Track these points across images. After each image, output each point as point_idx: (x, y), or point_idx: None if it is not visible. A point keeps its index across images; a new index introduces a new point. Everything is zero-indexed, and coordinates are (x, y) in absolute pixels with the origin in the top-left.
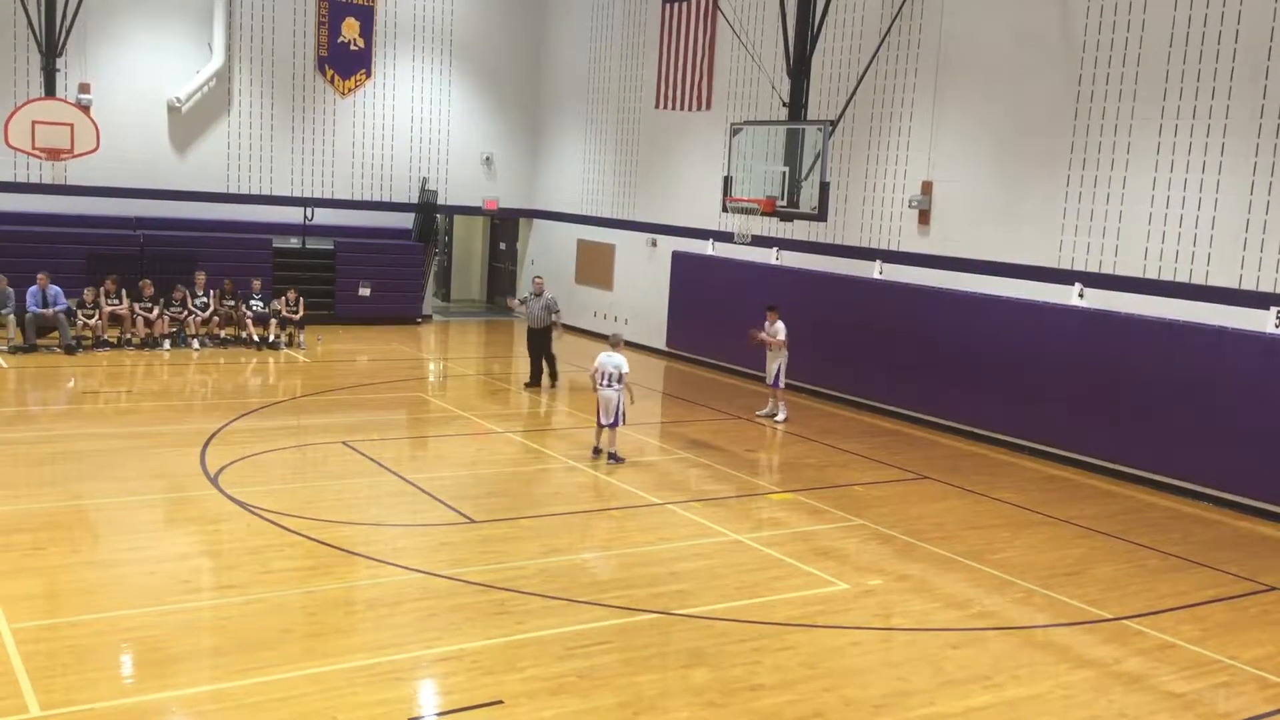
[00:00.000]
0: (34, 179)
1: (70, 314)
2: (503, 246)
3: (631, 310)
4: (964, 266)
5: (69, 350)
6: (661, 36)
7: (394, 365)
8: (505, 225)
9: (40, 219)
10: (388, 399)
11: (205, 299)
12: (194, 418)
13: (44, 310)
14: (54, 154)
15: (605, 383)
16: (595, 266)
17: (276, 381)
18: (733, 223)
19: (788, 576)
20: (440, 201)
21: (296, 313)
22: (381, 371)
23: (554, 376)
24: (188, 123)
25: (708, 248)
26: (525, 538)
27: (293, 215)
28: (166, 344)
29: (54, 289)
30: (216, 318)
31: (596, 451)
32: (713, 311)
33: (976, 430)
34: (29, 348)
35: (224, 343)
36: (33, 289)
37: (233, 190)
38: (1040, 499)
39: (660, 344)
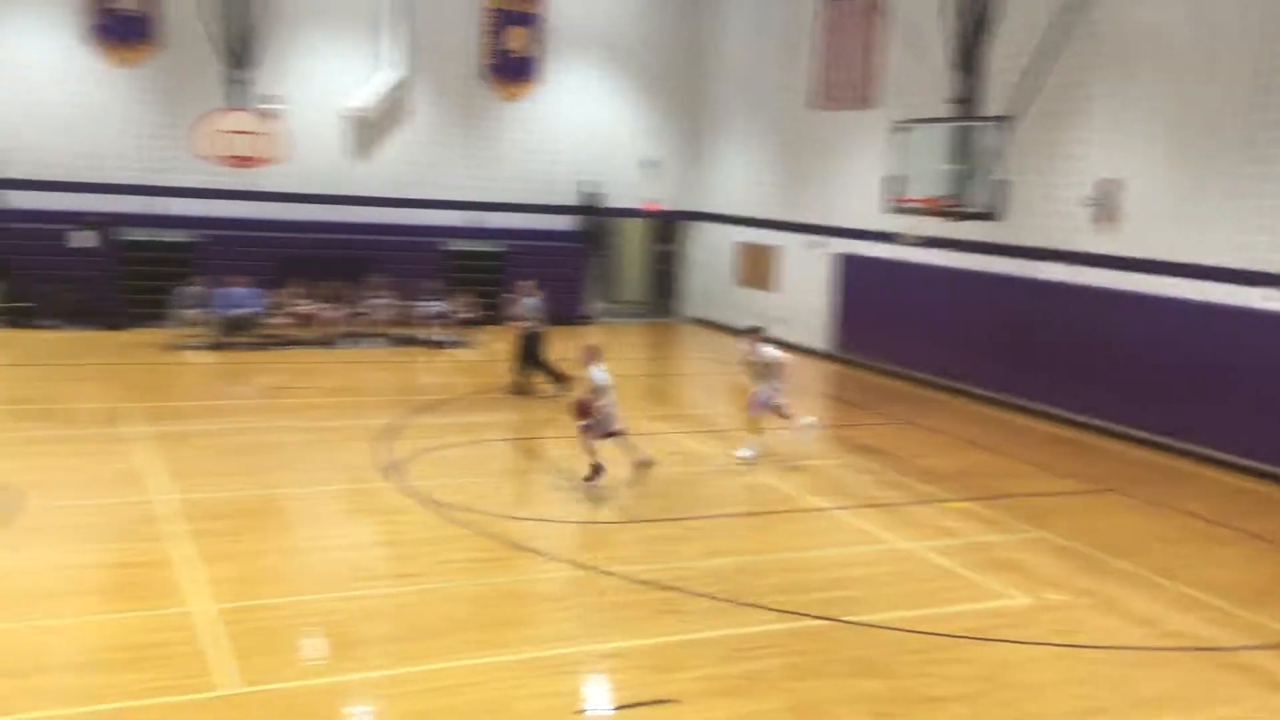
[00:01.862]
0: (229, 187)
1: (260, 314)
2: (666, 249)
3: (792, 312)
4: (1147, 268)
5: (259, 348)
6: (821, 34)
7: (562, 365)
8: (667, 227)
9: (234, 224)
10: (552, 398)
11: (383, 300)
12: (373, 413)
13: (236, 311)
14: (243, 162)
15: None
16: (755, 268)
17: (449, 379)
18: (898, 223)
19: (961, 588)
20: (603, 205)
21: (467, 313)
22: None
23: (557, 380)
24: (370, 130)
25: (872, 249)
26: (691, 538)
27: (464, 219)
28: (348, 343)
29: (244, 290)
30: (393, 318)
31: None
32: (879, 313)
33: (1159, 439)
34: (223, 345)
35: (399, 342)
36: (226, 290)
37: (407, 195)
38: (1230, 512)
39: (823, 346)
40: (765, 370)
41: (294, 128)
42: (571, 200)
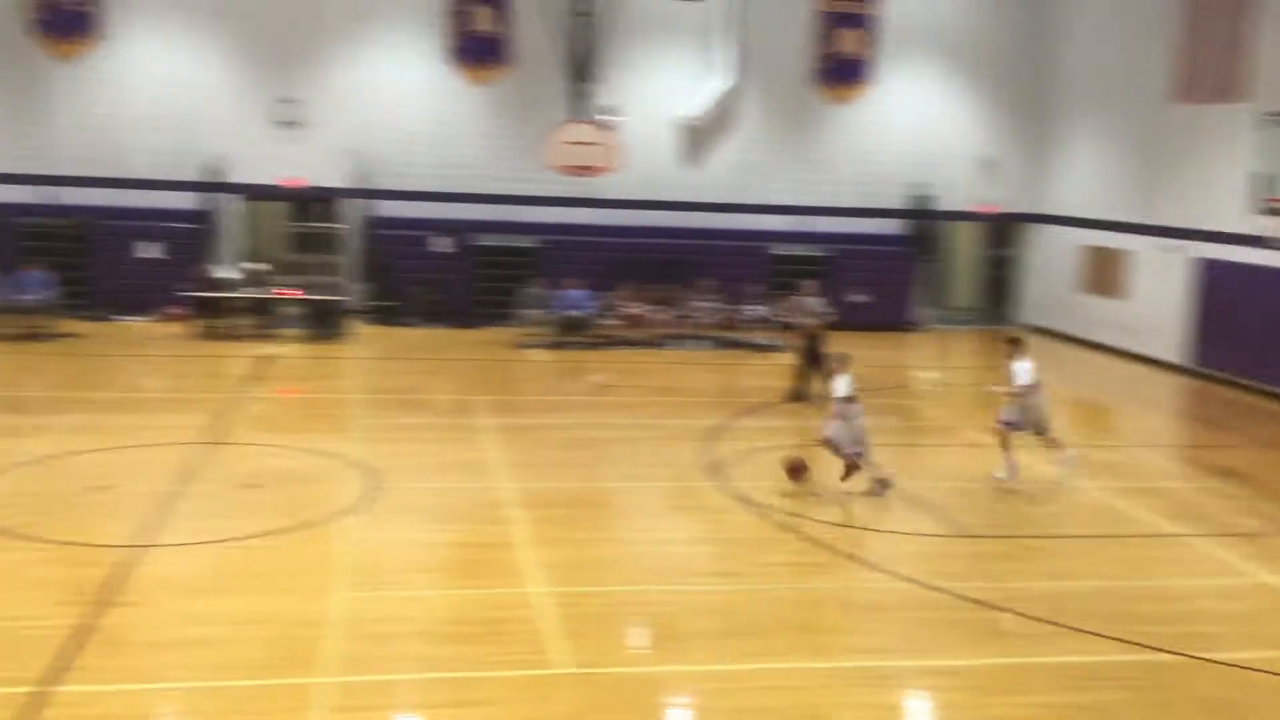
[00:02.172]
0: (569, 194)
1: (594, 315)
2: (1001, 253)
3: (1143, 320)
4: None
5: (591, 347)
6: (1184, 21)
7: (884, 372)
8: (1003, 230)
9: (573, 229)
10: (877, 405)
11: (709, 303)
12: (698, 413)
13: (572, 312)
14: (583, 172)
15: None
16: (1102, 274)
17: (772, 383)
18: (1268, 226)
19: None
20: (934, 207)
21: (794, 317)
22: (871, 378)
23: (796, 389)
24: (699, 138)
25: (1237, 253)
26: (1024, 557)
27: (789, 223)
28: (675, 344)
29: (580, 293)
30: (718, 321)
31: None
32: (1244, 324)
33: None
34: (559, 344)
35: (726, 345)
36: (563, 292)
37: (735, 200)
38: None
39: (1177, 358)
40: (1021, 389)
41: (629, 137)
42: (901, 203)
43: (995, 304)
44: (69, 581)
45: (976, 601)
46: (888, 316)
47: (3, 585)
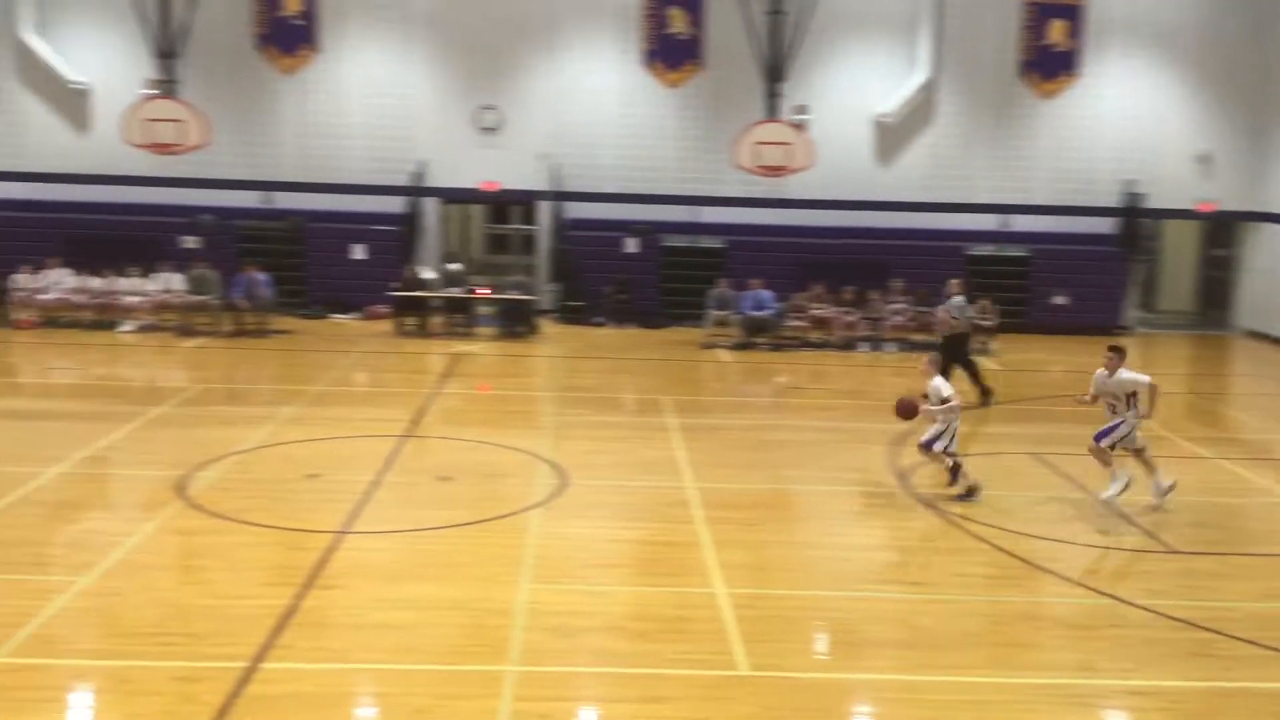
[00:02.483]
0: (757, 194)
1: (780, 316)
2: (1219, 253)
3: None
4: None
5: (777, 349)
6: None
7: (1089, 378)
8: (1221, 229)
9: (760, 230)
10: (1079, 412)
11: (901, 305)
12: (885, 418)
13: (757, 312)
14: (773, 172)
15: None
16: None
17: (965, 388)
18: None
19: None
20: (1145, 205)
21: (989, 320)
22: (1075, 384)
23: (982, 392)
24: (892, 135)
25: None
26: (1236, 576)
27: (987, 222)
28: (864, 347)
29: (766, 293)
30: (912, 323)
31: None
32: None
33: None
34: (745, 345)
35: (918, 347)
36: (748, 293)
37: (930, 199)
38: None
39: None
40: (1120, 400)
41: (820, 135)
42: (1109, 201)
43: (1210, 307)
44: (278, 564)
45: (1181, 621)
46: (1093, 319)
47: (220, 566)
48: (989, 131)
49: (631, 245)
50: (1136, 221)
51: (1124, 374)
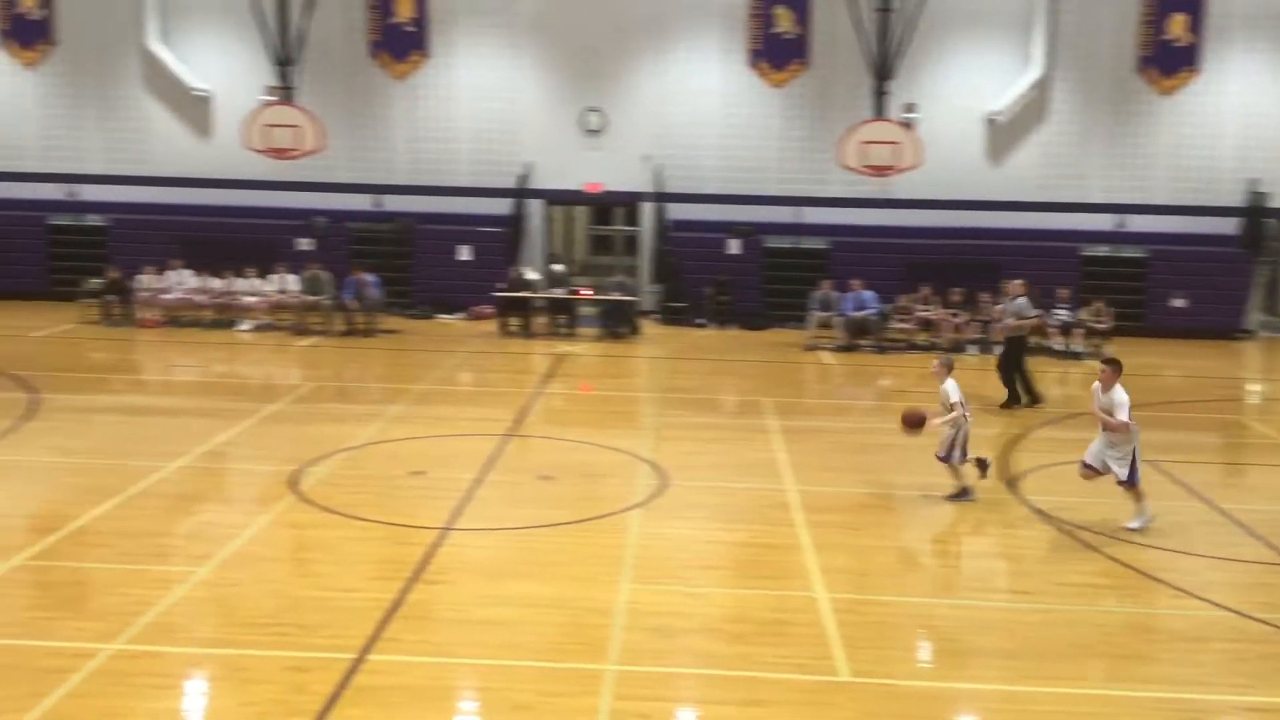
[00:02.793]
0: (863, 195)
1: (884, 318)
2: None
3: None
4: None
5: (881, 351)
6: None
7: (1208, 384)
8: None
9: (864, 230)
10: (1198, 419)
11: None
12: (995, 422)
13: (861, 314)
14: (880, 172)
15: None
16: None
17: (1079, 392)
18: None
19: None
20: (1271, 205)
21: (1103, 323)
22: (1193, 389)
23: (1031, 398)
24: (1004, 134)
25: None
26: None
27: (1103, 223)
28: (972, 350)
29: (870, 294)
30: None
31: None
32: None
33: None
34: (848, 348)
35: (1029, 351)
36: (851, 294)
37: (1043, 199)
38: None
39: None
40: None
41: (928, 133)
42: (1232, 201)
43: None
44: (385, 558)
45: None
46: (1213, 322)
47: (330, 559)
48: (1105, 129)
49: (734, 246)
50: (1260, 222)
51: (1117, 392)
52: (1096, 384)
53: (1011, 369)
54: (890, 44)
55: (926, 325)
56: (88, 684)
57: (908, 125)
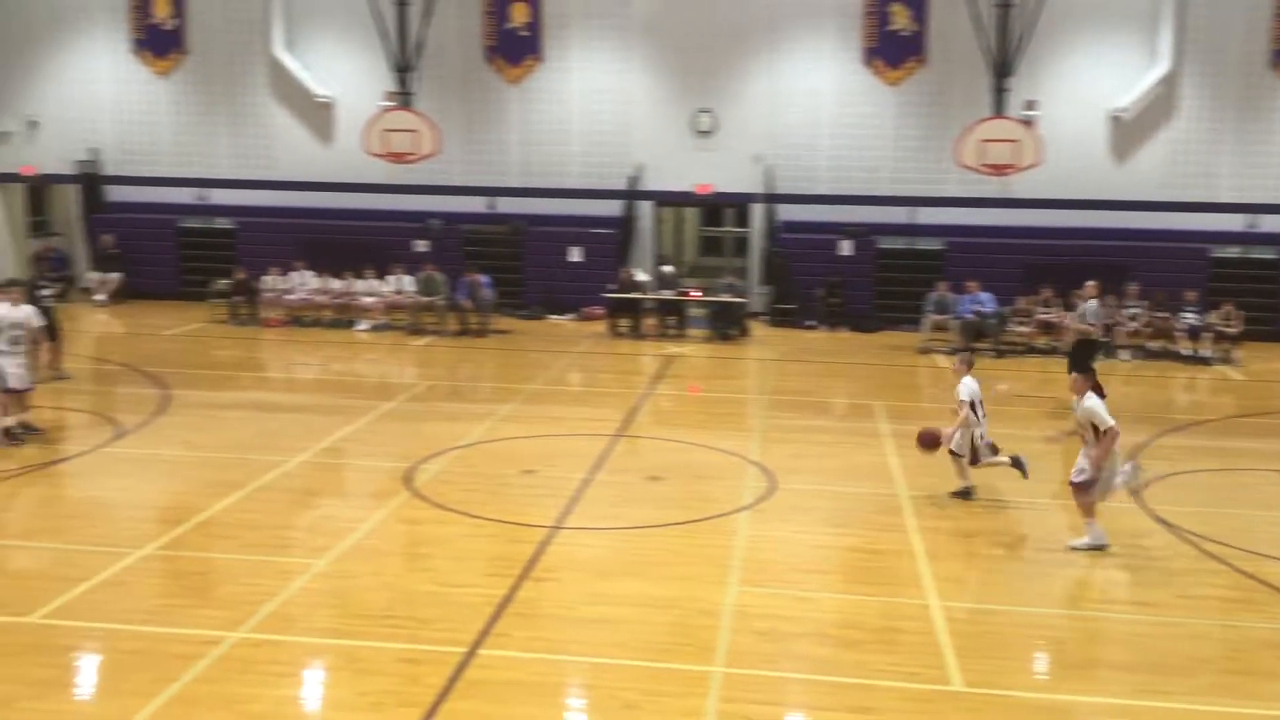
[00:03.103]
0: (980, 194)
1: (1002, 320)
2: None
3: None
4: None
5: (999, 355)
6: None
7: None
8: None
9: (981, 231)
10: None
11: (1136, 310)
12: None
13: (977, 316)
14: (999, 170)
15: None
16: None
17: (1206, 399)
18: None
19: None
20: None
21: (1233, 327)
22: None
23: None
24: (1128, 131)
25: None
26: None
27: (1233, 223)
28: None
29: (986, 296)
30: (1148, 329)
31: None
32: None
33: None
34: (965, 350)
35: (1153, 355)
36: (967, 295)
37: (1170, 199)
38: None
39: None
40: (1089, 431)
41: (1049, 131)
42: None
43: None
44: (497, 555)
45: None
46: None
47: (443, 555)
48: (1235, 127)
49: (845, 247)
50: None
51: (1089, 401)
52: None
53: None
54: (1010, 40)
55: (1047, 328)
56: (213, 670)
57: (1028, 123)
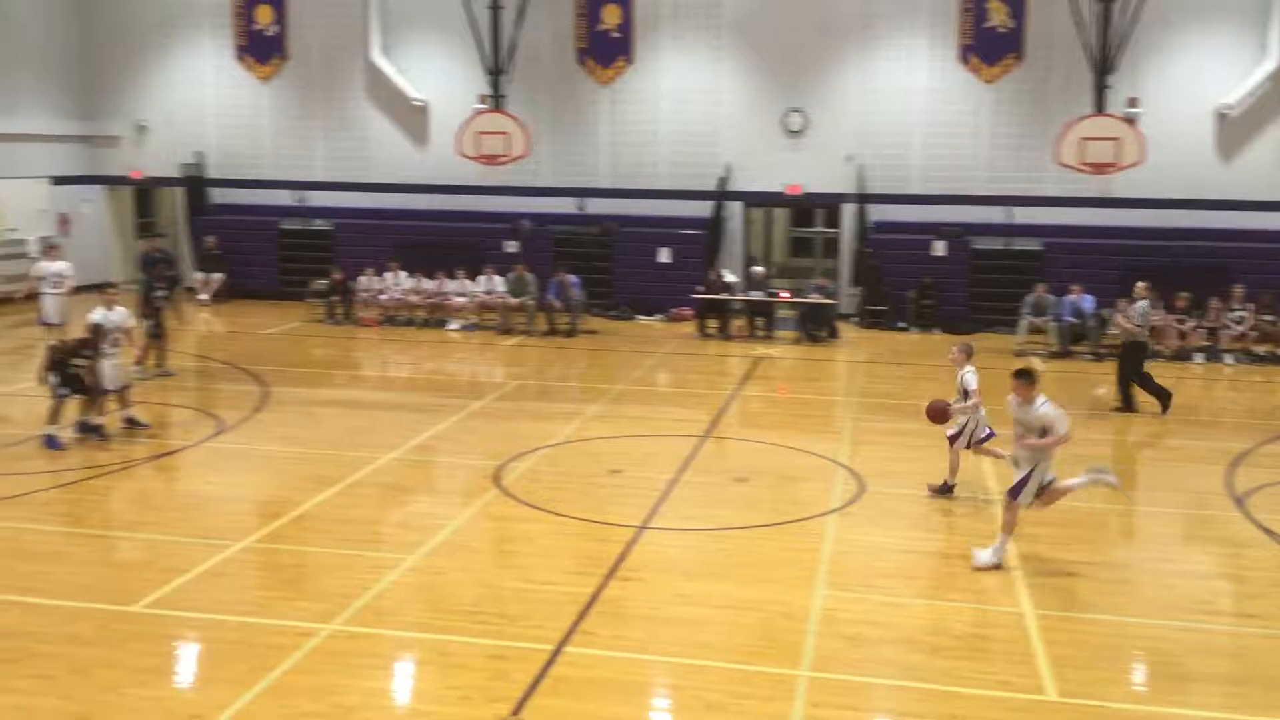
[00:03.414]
0: (1080, 194)
1: (1102, 323)
2: None
3: None
4: None
5: (1098, 359)
6: None
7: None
8: None
9: (1081, 231)
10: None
11: (1241, 313)
12: (1224, 435)
13: (1076, 319)
14: (1100, 169)
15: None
16: None
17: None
18: None
19: None
20: None
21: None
22: None
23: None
24: (1236, 128)
25: None
26: None
27: None
28: (1199, 358)
29: (1086, 299)
30: (1254, 333)
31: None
32: None
33: None
34: (1062, 354)
35: (1260, 360)
36: (1067, 298)
37: (1277, 198)
38: None
39: None
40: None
41: (1153, 129)
42: None
43: None
44: (583, 554)
45: None
46: None
47: (531, 552)
48: None
49: (939, 248)
50: None
51: (1040, 405)
52: (1010, 397)
53: (1129, 375)
54: (1111, 36)
55: (1150, 332)
56: (308, 661)
57: (1130, 120)
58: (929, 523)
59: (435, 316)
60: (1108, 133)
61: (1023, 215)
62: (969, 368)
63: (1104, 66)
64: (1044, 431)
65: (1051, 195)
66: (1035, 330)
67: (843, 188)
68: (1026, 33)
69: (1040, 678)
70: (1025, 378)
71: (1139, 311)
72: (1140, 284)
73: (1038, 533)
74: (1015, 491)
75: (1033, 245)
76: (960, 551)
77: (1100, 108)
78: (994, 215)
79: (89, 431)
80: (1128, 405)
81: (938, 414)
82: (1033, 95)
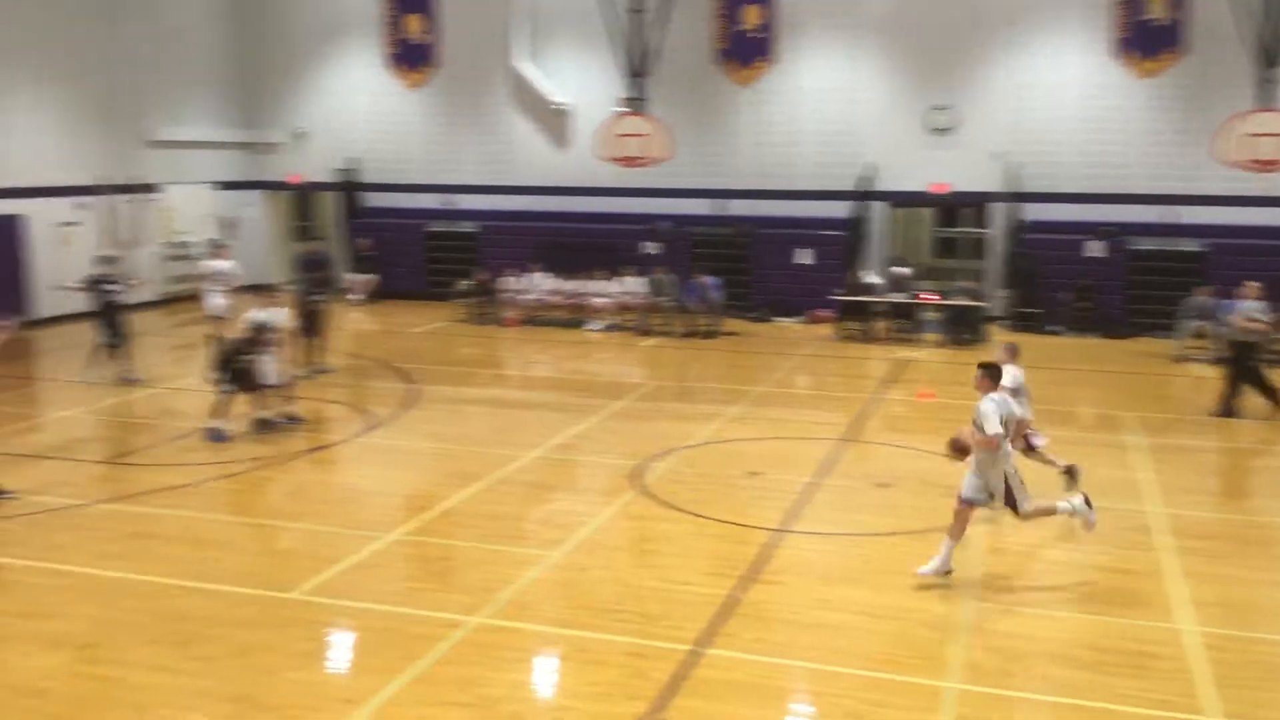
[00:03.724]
0: (1246, 192)
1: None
2: None
3: None
4: None
5: (1269, 364)
6: None
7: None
8: None
9: (1247, 231)
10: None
11: None
12: None
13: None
14: (1267, 167)
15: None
16: None
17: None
18: None
19: None
20: None
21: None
22: None
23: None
24: None
25: None
26: None
27: None
28: None
29: (1256, 303)
30: None
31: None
32: None
33: None
34: (1225, 360)
35: None
36: (1235, 301)
37: None
38: None
39: None
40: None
41: None
42: None
43: None
44: (722, 555)
45: None
46: None
47: (670, 552)
48: None
49: (1095, 249)
50: None
51: (984, 401)
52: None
53: (1241, 378)
54: (1278, 27)
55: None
56: (454, 652)
57: None
58: (1082, 534)
59: (575, 317)
60: (1275, 129)
61: (1184, 214)
62: (1012, 367)
63: (1271, 59)
64: (982, 429)
65: (1214, 194)
66: (1198, 335)
67: (991, 186)
68: (1187, 25)
69: (1203, 697)
70: (984, 369)
71: (1249, 310)
72: (1251, 284)
73: (1202, 546)
74: (1013, 505)
75: (1194, 246)
76: (1117, 565)
77: (1267, 102)
78: (1153, 214)
79: (265, 427)
80: (1228, 411)
81: (958, 449)
82: (1193, 90)
